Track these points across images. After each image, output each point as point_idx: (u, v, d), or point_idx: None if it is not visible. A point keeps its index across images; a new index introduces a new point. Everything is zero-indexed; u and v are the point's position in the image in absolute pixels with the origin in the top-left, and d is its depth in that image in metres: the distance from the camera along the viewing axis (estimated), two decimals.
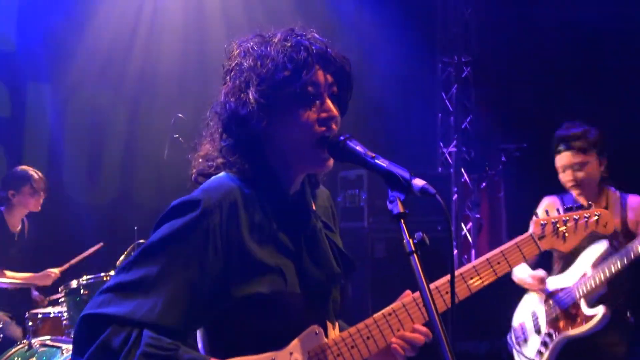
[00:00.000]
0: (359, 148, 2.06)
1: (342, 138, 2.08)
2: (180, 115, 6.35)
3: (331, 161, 2.12)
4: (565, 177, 4.43)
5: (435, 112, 10.64)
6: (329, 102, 2.09)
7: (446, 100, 10.65)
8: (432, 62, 10.54)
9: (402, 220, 1.91)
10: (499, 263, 3.68)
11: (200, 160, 2.18)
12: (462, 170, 10.51)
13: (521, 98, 9.60)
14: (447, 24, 10.48)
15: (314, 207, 2.26)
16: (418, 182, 1.92)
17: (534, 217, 3.30)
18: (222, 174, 2.12)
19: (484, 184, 10.40)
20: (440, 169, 10.57)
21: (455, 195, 10.26)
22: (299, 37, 2.08)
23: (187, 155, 2.24)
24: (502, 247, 3.69)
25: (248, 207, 2.04)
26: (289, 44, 2.05)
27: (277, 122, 2.05)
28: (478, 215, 10.21)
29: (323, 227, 2.23)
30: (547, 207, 4.38)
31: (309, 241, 2.16)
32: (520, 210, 4.65)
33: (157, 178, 8.42)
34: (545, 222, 3.63)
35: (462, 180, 10.50)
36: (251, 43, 2.11)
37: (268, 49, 2.06)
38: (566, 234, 3.41)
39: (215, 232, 1.98)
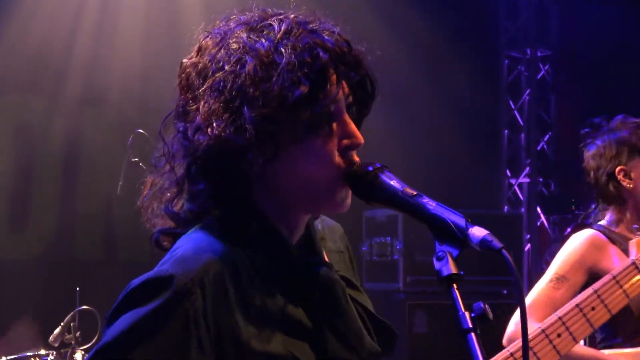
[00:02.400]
0: (394, 183, 2.06)
1: (370, 169, 2.07)
2: (140, 131, 6.39)
3: (350, 199, 2.11)
4: None
5: (500, 128, 10.69)
6: (352, 125, 2.09)
7: (515, 112, 10.69)
8: (494, 58, 10.62)
9: (455, 286, 1.91)
10: (593, 309, 3.66)
11: (156, 207, 2.15)
12: (538, 209, 10.49)
13: (623, 107, 9.60)
14: (516, 6, 10.56)
15: (325, 258, 2.23)
16: (478, 233, 1.92)
17: (634, 238, 3.32)
18: (196, 232, 2.09)
19: (569, 229, 10.38)
20: (506, 208, 10.58)
21: (529, 245, 10.24)
22: (309, 31, 2.05)
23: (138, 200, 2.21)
24: (596, 285, 3.71)
25: (239, 278, 2.02)
26: (298, 44, 2.02)
27: (282, 154, 2.03)
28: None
29: (346, 287, 2.19)
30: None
31: (329, 310, 2.12)
32: None
33: (107, 222, 8.45)
34: None
35: (539, 223, 10.48)
36: (237, 35, 2.08)
37: (267, 47, 2.02)
38: None
39: (197, 321, 1.94)
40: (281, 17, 2.09)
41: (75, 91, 8.75)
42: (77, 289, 6.31)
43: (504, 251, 1.88)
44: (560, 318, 3.64)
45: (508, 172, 10.67)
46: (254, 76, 1.98)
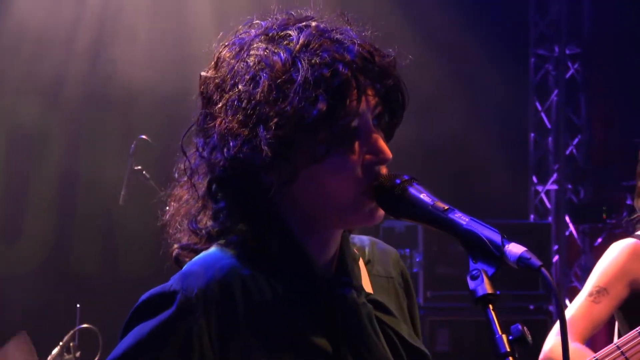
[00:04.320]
0: (424, 197, 2.07)
1: (398, 182, 2.09)
2: (144, 137, 6.42)
3: (381, 210, 2.12)
4: None
5: (526, 130, 10.70)
6: (379, 139, 2.10)
7: (542, 113, 10.68)
8: (521, 56, 10.61)
9: (491, 306, 1.93)
10: (633, 348, 3.71)
11: (179, 223, 2.19)
12: (567, 218, 10.49)
13: None
14: (545, 1, 10.57)
15: (365, 279, 2.26)
16: (515, 250, 1.93)
17: None
18: (212, 248, 2.14)
19: (599, 239, 10.37)
20: (532, 216, 10.57)
21: (557, 257, 10.23)
22: (330, 41, 2.06)
23: (158, 204, 2.25)
24: (622, 340, 3.69)
25: (250, 296, 2.06)
26: (317, 59, 2.02)
27: (302, 173, 2.06)
28: (577, 284, 10.19)
29: (373, 310, 2.21)
30: None
31: (352, 334, 2.14)
32: None
33: (109, 234, 8.50)
34: None
35: (567, 233, 10.47)
36: (253, 44, 2.10)
37: (284, 60, 2.03)
38: None
39: (201, 338, 2.01)
40: (302, 24, 2.11)
41: (76, 94, 8.77)
42: (78, 305, 6.32)
43: (543, 270, 1.90)
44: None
45: (535, 179, 10.65)
46: (268, 95, 2.01)
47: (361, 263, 2.28)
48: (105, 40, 8.86)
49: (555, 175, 10.54)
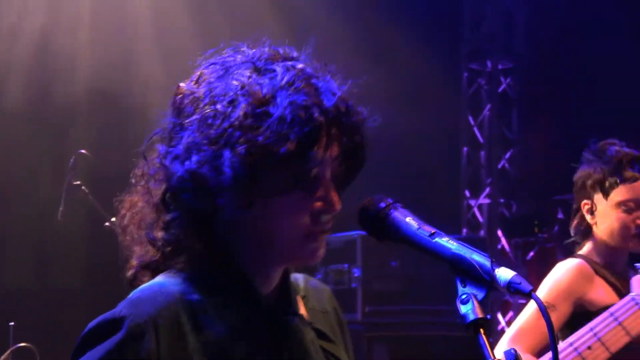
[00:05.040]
0: (409, 220, 2.10)
1: (383, 205, 2.13)
2: (83, 152, 6.38)
3: (323, 250, 2.16)
4: (634, 219, 4.39)
5: (459, 144, 10.84)
6: (332, 190, 2.14)
7: (475, 128, 10.82)
8: (453, 71, 10.77)
9: (482, 331, 1.93)
10: (590, 348, 3.75)
11: (136, 232, 2.21)
12: (499, 232, 10.63)
13: (591, 124, 9.78)
14: (477, 15, 10.74)
15: (303, 311, 2.30)
16: (505, 274, 1.96)
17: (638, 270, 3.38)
18: (159, 277, 2.16)
19: (532, 253, 10.51)
20: (465, 230, 10.69)
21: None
22: (312, 85, 2.10)
23: (104, 218, 2.26)
24: (592, 324, 3.82)
25: (200, 323, 2.09)
26: (296, 98, 2.06)
27: (255, 205, 2.09)
28: (524, 301, 10.30)
29: (316, 338, 2.26)
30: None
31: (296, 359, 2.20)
32: None
33: (43, 249, 8.41)
34: None
35: (499, 247, 10.62)
36: (238, 70, 2.14)
37: (265, 93, 2.07)
38: None
39: None
40: (289, 64, 2.13)
41: (12, 105, 8.69)
42: (11, 323, 6.26)
43: (534, 294, 1.93)
44: None
45: (467, 193, 10.78)
46: (244, 121, 2.03)
47: (298, 298, 2.32)
48: (42, 51, 8.79)
49: (487, 189, 10.66)
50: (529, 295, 1.93)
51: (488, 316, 1.97)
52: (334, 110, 2.08)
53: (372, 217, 2.13)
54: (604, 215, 4.31)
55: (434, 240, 2.06)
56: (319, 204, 2.11)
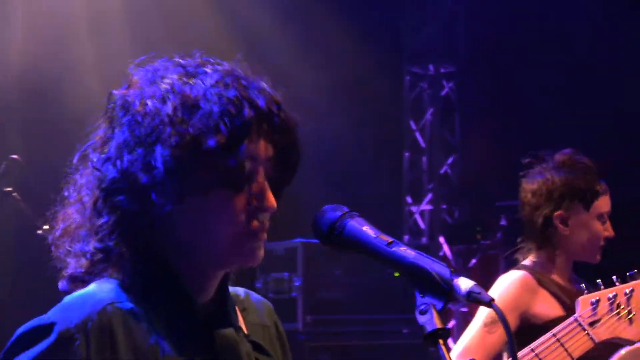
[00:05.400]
0: (366, 229, 2.10)
1: (339, 214, 2.12)
2: (14, 157, 6.27)
3: (262, 251, 2.18)
4: (603, 232, 4.43)
5: (400, 149, 10.81)
6: (266, 188, 2.16)
7: (417, 133, 10.82)
8: (395, 74, 10.76)
9: (442, 342, 1.93)
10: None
11: (66, 243, 2.19)
12: (441, 239, 10.63)
13: (534, 129, 9.82)
14: (419, 18, 10.72)
15: (241, 323, 2.30)
16: (464, 284, 1.97)
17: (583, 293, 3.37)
18: (91, 286, 2.15)
19: (474, 260, 10.54)
20: (407, 237, 10.68)
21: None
22: (241, 84, 2.13)
23: (36, 226, 2.25)
24: (534, 344, 3.78)
25: (132, 331, 2.07)
26: (226, 93, 2.10)
27: (187, 202, 2.10)
28: (466, 309, 10.31)
29: (252, 351, 2.26)
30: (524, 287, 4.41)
31: None
32: None
33: None
34: (598, 298, 3.75)
35: (441, 254, 10.62)
36: (169, 76, 2.17)
37: (195, 92, 2.10)
38: (633, 313, 3.52)
39: None
40: (219, 67, 2.18)
41: None
42: None
43: (494, 304, 1.94)
44: None
45: (409, 199, 10.78)
46: (173, 115, 2.08)
47: (237, 309, 2.33)
48: None
49: (429, 196, 10.68)
50: (489, 305, 1.95)
51: (447, 326, 1.96)
52: (265, 106, 2.12)
53: (328, 226, 2.12)
54: (583, 226, 4.31)
55: (392, 250, 2.07)
56: (254, 201, 2.13)
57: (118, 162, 2.09)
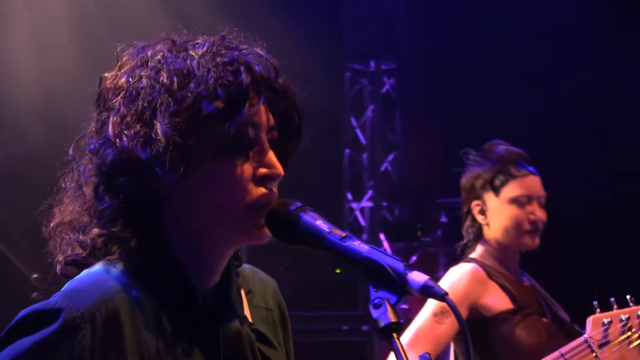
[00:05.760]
0: (320, 224, 2.09)
1: (293, 208, 2.10)
2: None
3: (268, 230, 2.14)
4: (527, 215, 4.46)
5: (341, 146, 10.84)
6: (271, 154, 2.14)
7: (357, 129, 10.84)
8: (335, 71, 10.78)
9: (396, 336, 1.92)
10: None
11: (63, 233, 2.15)
12: (382, 236, 10.66)
13: (475, 126, 9.88)
14: (360, 14, 10.75)
15: (245, 310, 2.27)
16: (418, 278, 1.96)
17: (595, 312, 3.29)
18: (97, 266, 2.11)
19: (414, 257, 10.58)
20: (346, 234, 10.68)
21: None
22: (235, 51, 2.11)
23: (38, 220, 2.21)
24: None
25: (137, 322, 2.05)
26: (221, 59, 2.08)
27: (191, 175, 2.06)
28: (405, 306, 10.35)
29: (256, 341, 2.23)
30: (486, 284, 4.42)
31: None
32: None
33: None
34: (610, 319, 3.71)
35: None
36: (159, 50, 2.14)
37: (189, 62, 2.08)
38: None
39: (84, 359, 1.97)
40: (209, 37, 2.16)
41: None
42: None
43: (448, 298, 1.94)
44: None
45: (349, 196, 10.80)
46: (170, 85, 2.05)
47: (242, 293, 2.29)
48: None
49: (370, 193, 10.71)
50: (443, 299, 1.94)
51: (402, 320, 1.95)
52: (263, 71, 2.11)
53: (282, 221, 2.10)
54: (497, 212, 4.36)
55: (345, 244, 2.05)
56: (260, 170, 2.10)
57: (118, 142, 2.06)
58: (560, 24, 9.57)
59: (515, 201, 4.35)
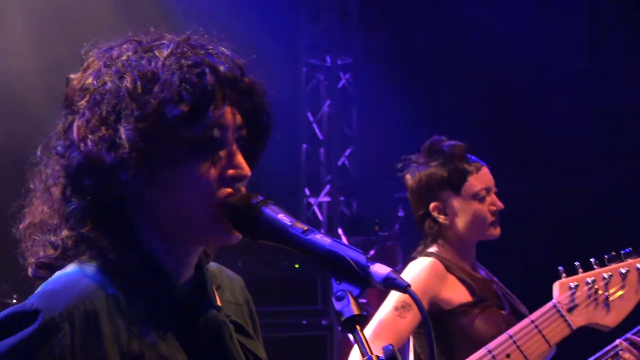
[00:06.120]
0: (282, 217, 2.09)
1: (254, 202, 2.10)
2: None
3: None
4: (488, 206, 4.45)
5: (298, 141, 10.86)
6: (238, 155, 2.14)
7: (314, 124, 10.85)
8: (292, 66, 10.76)
9: (359, 328, 1.94)
10: (508, 356, 3.77)
11: (34, 234, 2.15)
12: (340, 230, 10.68)
13: (430, 121, 9.93)
14: (315, 9, 10.76)
15: (218, 302, 2.27)
16: (380, 270, 1.98)
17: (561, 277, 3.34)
18: (71, 267, 2.11)
19: (372, 252, 10.59)
20: (308, 227, 10.69)
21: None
22: (200, 51, 2.11)
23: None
24: (511, 330, 3.84)
25: (115, 317, 2.05)
26: (185, 61, 2.07)
27: (158, 178, 2.06)
28: (364, 300, 10.38)
29: (234, 331, 2.25)
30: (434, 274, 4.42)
31: (215, 353, 2.18)
32: None
33: None
34: (577, 283, 3.78)
35: None
36: (125, 51, 2.13)
37: (153, 64, 2.07)
38: (611, 300, 3.52)
39: (64, 359, 1.98)
40: (175, 38, 2.15)
41: None
42: None
43: (410, 290, 1.96)
44: None
45: (307, 191, 10.80)
46: (133, 89, 2.05)
47: (213, 288, 2.30)
48: None
49: (327, 187, 10.70)
50: (405, 291, 1.95)
51: (364, 312, 1.97)
52: (228, 71, 2.10)
53: (243, 215, 2.10)
54: (460, 210, 4.39)
55: (308, 237, 2.07)
56: (227, 171, 2.10)
57: (82, 146, 2.05)
58: (508, 20, 9.62)
59: (476, 196, 4.38)
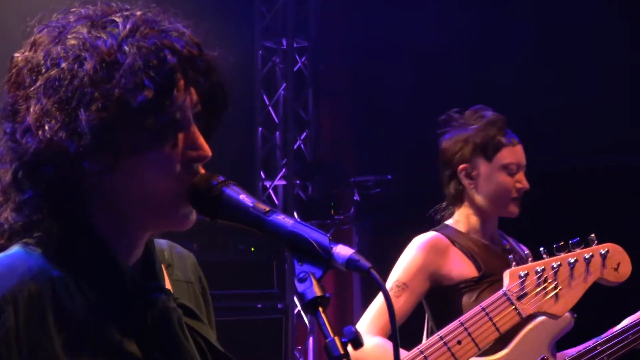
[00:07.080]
0: (243, 198, 2.11)
1: (215, 183, 2.10)
2: None
3: (194, 215, 2.14)
4: (514, 182, 4.51)
5: (254, 125, 10.86)
6: (198, 136, 2.13)
7: (270, 107, 10.86)
8: (247, 49, 10.73)
9: (321, 309, 1.95)
10: (459, 342, 3.79)
11: None
12: (295, 214, 10.70)
13: (387, 105, 9.97)
14: None
15: (167, 284, 2.26)
16: (343, 252, 2.00)
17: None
18: (15, 247, 2.08)
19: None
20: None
21: (287, 253, 10.41)
22: (157, 29, 2.07)
23: None
24: (463, 317, 3.88)
25: (60, 300, 2.02)
26: (146, 44, 2.04)
27: (120, 165, 2.04)
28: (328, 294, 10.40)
29: (183, 315, 2.22)
30: (437, 250, 4.47)
31: (163, 339, 2.15)
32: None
33: None
34: (527, 272, 3.82)
35: None
36: (77, 30, 2.07)
37: (110, 46, 2.02)
38: (559, 288, 3.58)
39: (8, 342, 1.97)
40: (127, 13, 2.11)
41: None
42: None
43: (372, 271, 1.96)
44: (422, 352, 3.76)
45: (262, 174, 10.81)
46: (94, 76, 1.99)
47: (162, 267, 2.28)
48: None
49: (283, 171, 10.71)
50: (368, 272, 1.96)
51: (327, 294, 1.96)
52: (186, 50, 2.07)
53: (204, 195, 2.09)
54: (487, 178, 4.46)
55: (270, 218, 2.08)
56: (191, 152, 2.09)
57: (40, 132, 1.99)
58: (477, 10, 9.64)
59: (506, 168, 4.44)
